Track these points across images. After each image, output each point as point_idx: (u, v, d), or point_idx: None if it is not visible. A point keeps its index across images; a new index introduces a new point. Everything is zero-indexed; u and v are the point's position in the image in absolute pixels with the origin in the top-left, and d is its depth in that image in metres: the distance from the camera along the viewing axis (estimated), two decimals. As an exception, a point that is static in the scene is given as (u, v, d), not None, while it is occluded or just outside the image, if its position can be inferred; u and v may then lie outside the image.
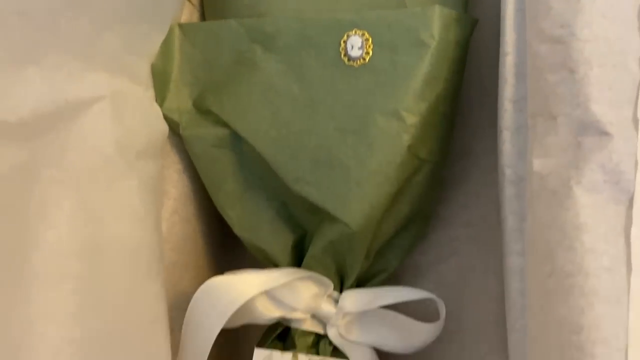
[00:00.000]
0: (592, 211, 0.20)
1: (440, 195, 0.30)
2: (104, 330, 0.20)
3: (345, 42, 0.25)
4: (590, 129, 0.21)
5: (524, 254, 0.22)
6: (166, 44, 0.26)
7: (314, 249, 0.26)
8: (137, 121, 0.23)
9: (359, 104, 0.25)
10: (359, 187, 0.25)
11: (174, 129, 0.26)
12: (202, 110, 0.27)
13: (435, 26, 0.24)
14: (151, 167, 0.24)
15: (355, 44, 0.25)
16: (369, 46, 0.25)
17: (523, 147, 0.23)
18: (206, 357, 0.24)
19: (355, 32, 0.25)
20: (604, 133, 0.21)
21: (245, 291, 0.24)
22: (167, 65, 0.26)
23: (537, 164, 0.22)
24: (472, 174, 0.30)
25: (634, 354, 0.19)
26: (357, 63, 0.25)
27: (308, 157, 0.25)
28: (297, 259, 0.27)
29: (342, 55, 0.25)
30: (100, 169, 0.20)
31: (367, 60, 0.25)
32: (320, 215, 0.25)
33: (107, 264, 0.20)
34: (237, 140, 0.26)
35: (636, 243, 0.20)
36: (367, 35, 0.25)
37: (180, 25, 0.27)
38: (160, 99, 0.26)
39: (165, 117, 0.26)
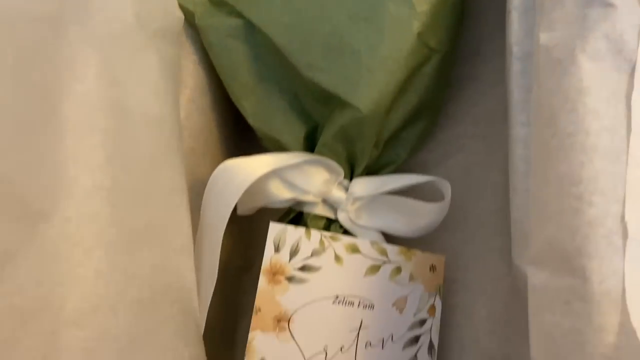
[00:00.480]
0: (595, 76, 0.21)
1: (449, 94, 0.31)
2: (130, 185, 0.21)
3: None
4: (596, 1, 0.21)
5: (528, 124, 0.23)
6: None
7: (325, 137, 0.27)
8: (154, 2, 0.24)
9: (370, -8, 0.26)
10: (370, 72, 0.25)
11: (189, 19, 0.27)
12: (216, 1, 0.27)
13: None
14: (169, 49, 0.25)
15: None
16: None
17: (530, 27, 0.24)
18: (222, 231, 0.25)
19: None
20: (608, 5, 0.21)
21: (257, 169, 0.25)
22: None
23: (544, 37, 0.22)
24: (481, 74, 0.31)
25: (631, 206, 0.20)
26: (368, -49, 0.26)
27: (320, 43, 0.26)
28: (309, 149, 0.28)
29: (353, -57, 0.26)
30: (123, 37, 0.21)
31: (378, -52, 0.26)
32: (332, 104, 0.26)
33: (132, 126, 0.21)
34: (250, 30, 0.27)
35: (636, 107, 0.21)
36: None
37: None
38: (176, -12, 0.27)
39: (180, 7, 0.27)
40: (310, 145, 0.28)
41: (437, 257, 0.27)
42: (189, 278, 0.24)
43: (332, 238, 0.26)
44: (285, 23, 0.26)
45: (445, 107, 0.31)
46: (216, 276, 0.25)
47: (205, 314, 0.25)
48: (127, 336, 0.20)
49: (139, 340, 0.20)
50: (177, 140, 0.24)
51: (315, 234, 0.26)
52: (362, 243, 0.26)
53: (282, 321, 0.25)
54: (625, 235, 0.19)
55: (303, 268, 0.25)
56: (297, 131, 0.28)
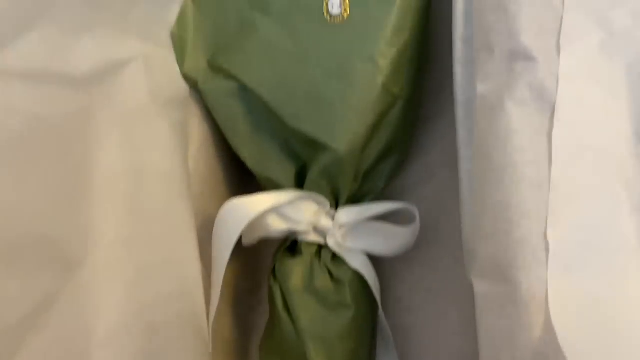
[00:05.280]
0: (520, 119, 0.25)
1: (420, 128, 0.35)
2: (147, 233, 0.26)
3: (327, 3, 0.31)
4: (520, 56, 0.26)
5: (472, 158, 0.27)
6: (182, 15, 0.32)
7: (312, 175, 0.32)
8: (164, 77, 0.29)
9: (341, 53, 0.31)
10: (343, 119, 0.30)
11: (193, 85, 0.32)
12: (215, 67, 0.33)
13: (399, -16, 0.30)
14: (177, 114, 0.30)
15: (335, 4, 0.31)
16: (346, 5, 0.31)
17: (470, 77, 0.29)
18: (227, 259, 0.29)
19: (335, -6, 0.31)
20: (530, 58, 0.26)
21: (258, 206, 0.30)
22: (184, 33, 0.32)
23: (480, 87, 0.27)
24: (447, 109, 0.35)
25: (553, 225, 0.24)
26: (337, 20, 0.31)
27: (302, 98, 0.31)
28: (299, 185, 0.33)
29: (325, 14, 0.31)
30: (139, 111, 0.27)
31: (345, 17, 0.31)
32: (315, 147, 0.31)
33: (147, 184, 0.26)
34: (244, 90, 0.32)
35: (556, 142, 0.25)
36: (344, -5, 0.31)
37: (193, -1, 0.33)
38: (180, 61, 0.32)
39: (185, 76, 0.32)
40: (300, 182, 0.33)
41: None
42: (199, 303, 0.29)
43: None
44: (273, 84, 0.31)
45: (417, 139, 0.36)
46: (219, 295, 0.30)
47: (211, 328, 0.30)
48: (142, 354, 0.24)
49: (152, 357, 0.25)
50: (185, 189, 0.29)
51: None
52: None
53: None
54: (547, 249, 0.23)
55: None
56: (288, 171, 0.33)
